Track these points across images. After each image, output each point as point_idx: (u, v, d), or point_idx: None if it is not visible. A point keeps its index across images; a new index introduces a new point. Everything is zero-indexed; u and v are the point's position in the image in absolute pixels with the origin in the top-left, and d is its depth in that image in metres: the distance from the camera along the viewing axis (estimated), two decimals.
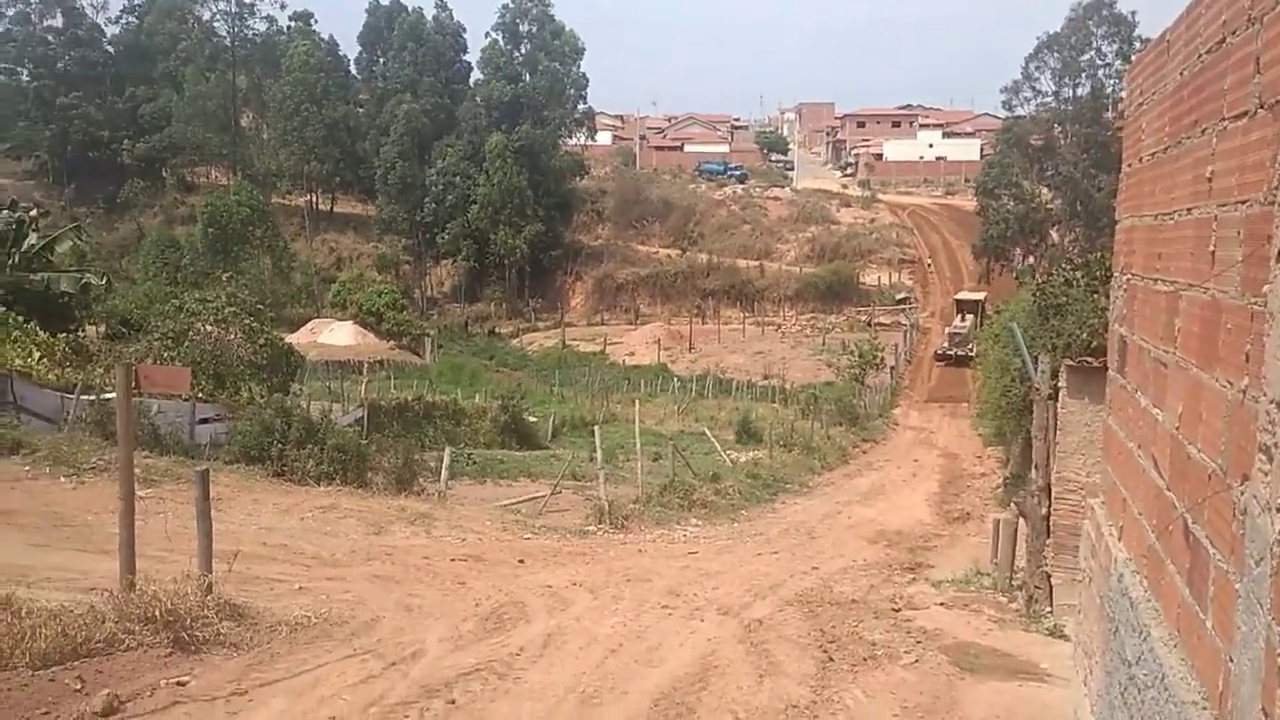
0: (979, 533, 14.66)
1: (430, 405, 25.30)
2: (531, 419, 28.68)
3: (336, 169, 76.85)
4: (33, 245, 24.49)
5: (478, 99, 72.59)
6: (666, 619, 8.32)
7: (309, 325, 55.06)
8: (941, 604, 8.91)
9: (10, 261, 23.58)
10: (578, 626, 7.88)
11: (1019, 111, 59.23)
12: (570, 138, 79.08)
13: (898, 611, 8.61)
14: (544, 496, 15.72)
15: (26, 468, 12.84)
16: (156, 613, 6.52)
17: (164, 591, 6.79)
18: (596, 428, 19.23)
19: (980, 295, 50.33)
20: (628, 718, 5.68)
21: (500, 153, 66.65)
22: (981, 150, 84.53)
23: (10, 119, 76.14)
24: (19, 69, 79.87)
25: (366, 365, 39.13)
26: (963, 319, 48.15)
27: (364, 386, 31.00)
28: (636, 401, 25.46)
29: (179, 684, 5.94)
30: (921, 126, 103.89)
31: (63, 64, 79.39)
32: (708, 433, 23.94)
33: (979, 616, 8.37)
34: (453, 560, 10.80)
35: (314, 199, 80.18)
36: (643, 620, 8.21)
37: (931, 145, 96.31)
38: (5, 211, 25.47)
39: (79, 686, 5.65)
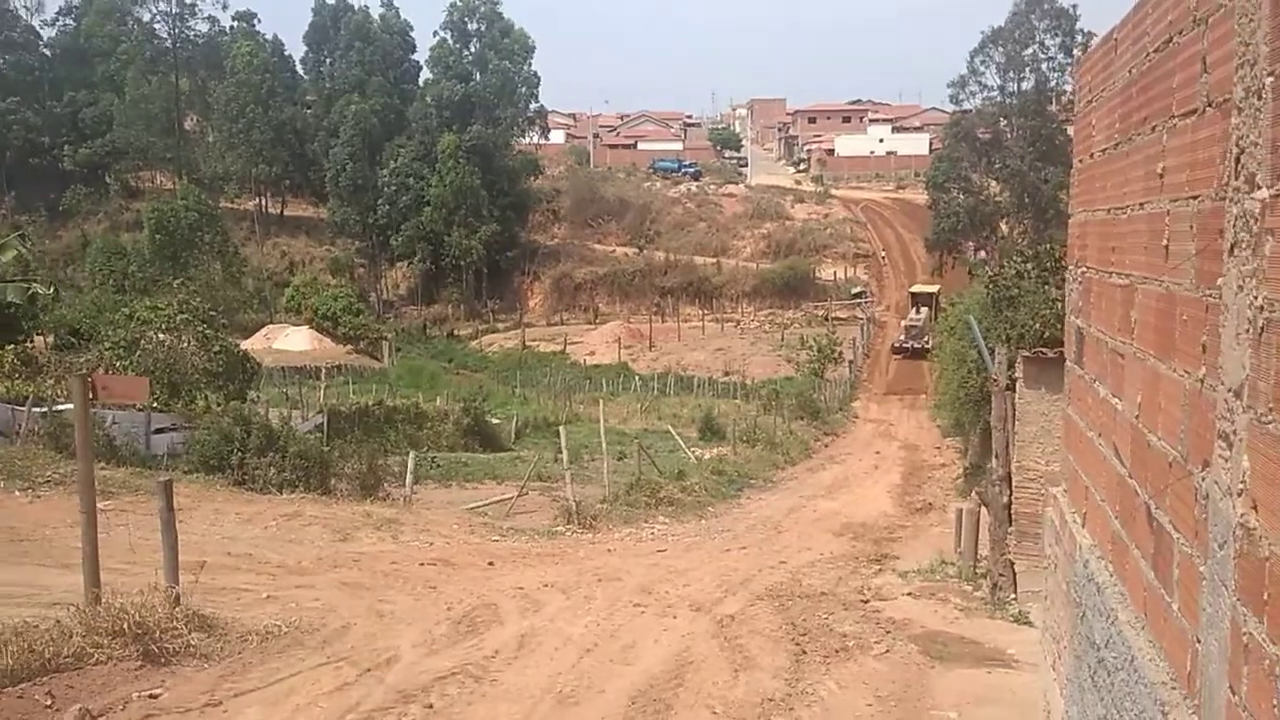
0: (942, 523, 14.92)
1: (391, 409, 25.05)
2: (494, 421, 28.53)
3: (285, 171, 75.64)
4: None
5: (428, 99, 71.88)
6: (639, 617, 8.37)
7: (263, 331, 54.18)
8: (909, 594, 9.07)
9: None
10: (551, 627, 7.91)
11: (966, 106, 60.14)
12: (523, 137, 78.60)
13: (866, 603, 8.75)
14: (511, 498, 15.68)
15: None
16: (125, 626, 6.44)
17: (131, 604, 6.71)
18: (561, 428, 19.20)
19: (934, 288, 51.05)
20: (605, 716, 5.72)
21: (452, 153, 66.12)
22: (930, 144, 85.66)
23: None
24: None
25: (324, 370, 38.62)
26: (918, 312, 48.82)
27: (322, 392, 30.64)
28: (600, 401, 25.45)
29: (151, 697, 5.88)
30: (871, 121, 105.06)
31: None
32: (671, 431, 24.01)
33: (946, 605, 8.54)
34: (422, 565, 10.76)
35: (264, 202, 78.86)
36: (616, 619, 8.26)
37: (882, 140, 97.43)
38: None
39: (49, 702, 5.57)
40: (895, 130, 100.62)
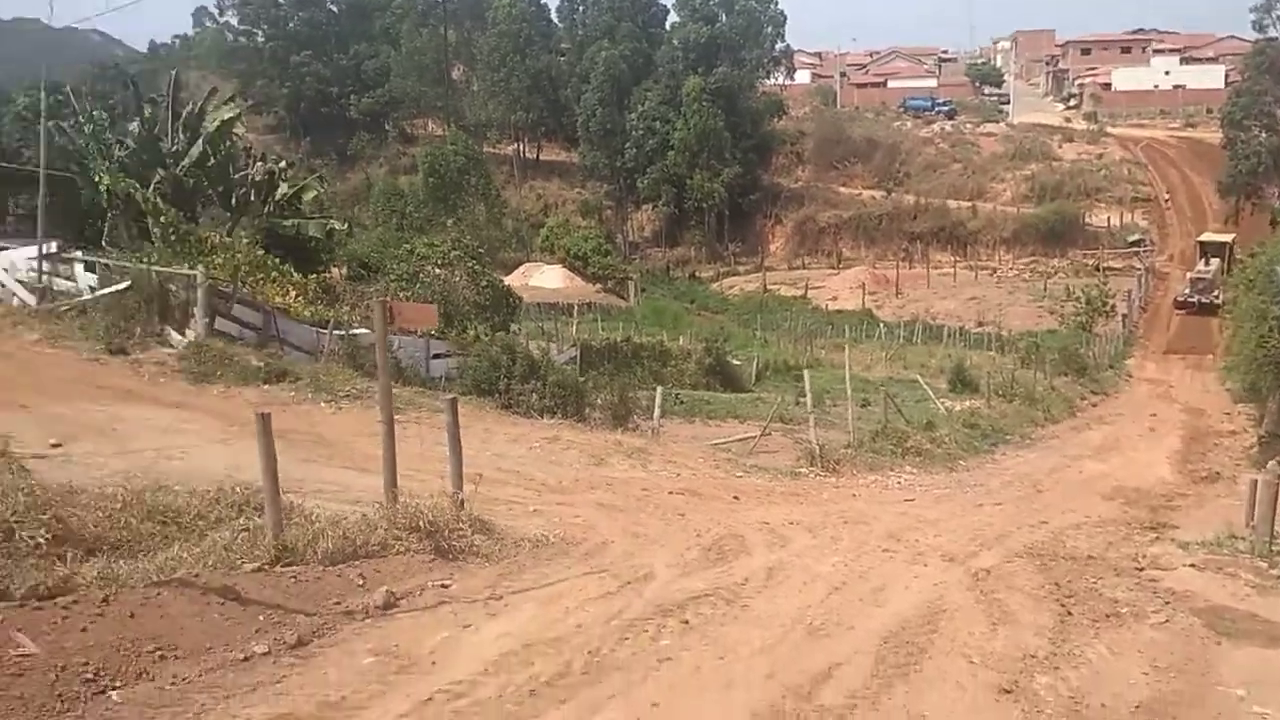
0: (1230, 494, 13.50)
1: (638, 346, 25.94)
2: (735, 362, 28.85)
3: (541, 118, 79.14)
4: (284, 194, 26.94)
5: (674, 42, 72.38)
6: (888, 562, 8.26)
7: (521, 268, 57.56)
8: (1191, 565, 8.32)
9: (266, 209, 26.07)
10: (798, 563, 7.98)
11: (1271, 33, 52.51)
12: (768, 78, 77.50)
13: (1141, 570, 8.12)
14: (753, 437, 15.84)
15: (292, 393, 14.35)
16: (420, 523, 7.22)
17: (424, 505, 7.49)
18: (806, 371, 19.11)
19: (1228, 237, 45.67)
20: (857, 652, 5.73)
21: (696, 96, 66.31)
22: (1227, 77, 75.75)
23: (251, 77, 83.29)
24: (255, 30, 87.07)
25: (576, 307, 40.56)
26: (1207, 263, 43.91)
27: (575, 327, 32.22)
28: (847, 346, 24.96)
29: (443, 586, 6.58)
30: (1155, 52, 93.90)
31: (293, 24, 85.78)
32: (920, 380, 23.17)
33: (1235, 580, 7.76)
34: (671, 493, 11.17)
35: (521, 147, 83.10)
36: (864, 561, 8.20)
37: (1168, 73, 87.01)
38: (259, 164, 28.10)
39: (361, 582, 6.37)
40: (1184, 61, 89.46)
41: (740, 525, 9.44)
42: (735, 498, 11.33)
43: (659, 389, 17.25)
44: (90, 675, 4.66)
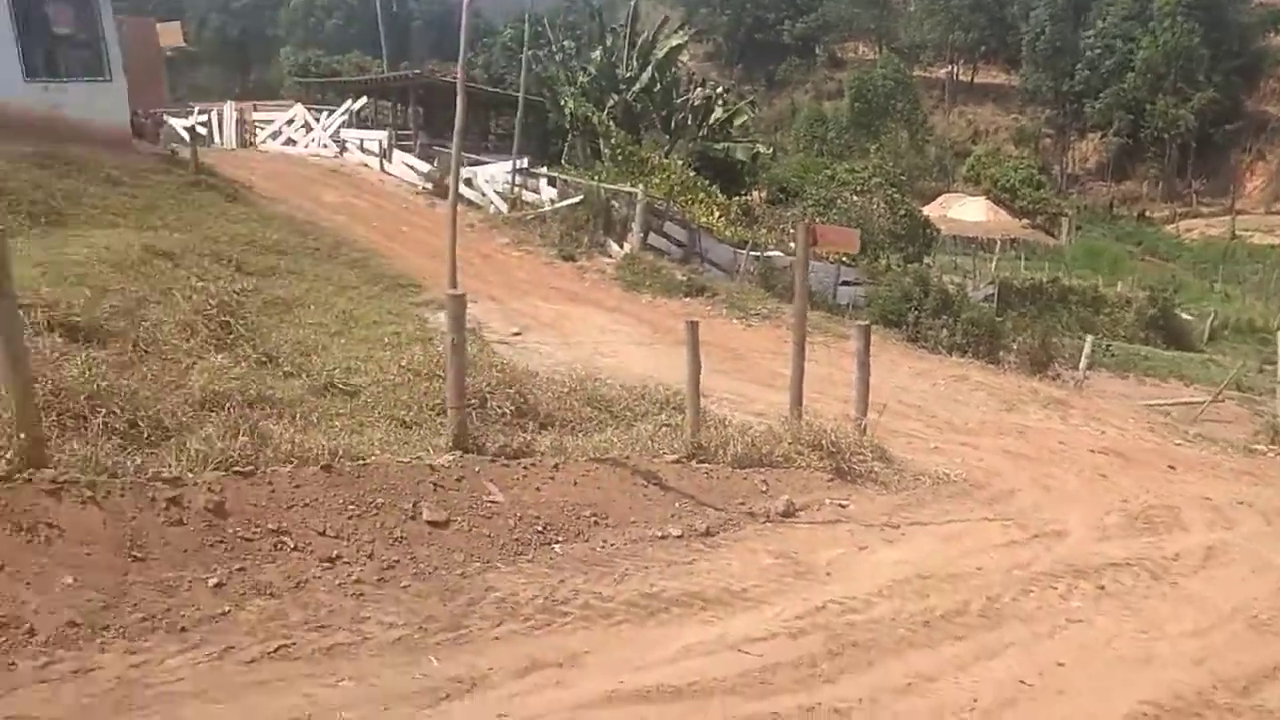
0: None
1: (1066, 289, 23.84)
2: (1185, 316, 25.43)
3: (981, 37, 73.76)
4: (718, 118, 28.21)
5: None
6: None
7: (940, 199, 54.82)
8: None
9: (701, 133, 27.52)
10: (1246, 548, 6.98)
11: None
12: None
13: None
14: (1200, 403, 13.91)
15: (709, 308, 15.29)
16: (822, 442, 7.41)
17: (827, 426, 7.65)
18: (1279, 333, 16.28)
19: None
20: None
21: (1172, 9, 57.36)
22: None
23: (696, 5, 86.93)
24: None
25: (998, 242, 38.03)
26: None
27: (995, 263, 30.34)
28: None
29: (841, 505, 6.74)
30: None
31: None
32: None
33: None
34: (1091, 451, 10.27)
35: (955, 70, 78.36)
36: None
37: None
38: (698, 89, 29.64)
39: (764, 489, 6.73)
40: None
41: (1175, 497, 8.44)
42: (1171, 467, 10.10)
43: (1088, 338, 15.81)
44: (540, 528, 5.50)
